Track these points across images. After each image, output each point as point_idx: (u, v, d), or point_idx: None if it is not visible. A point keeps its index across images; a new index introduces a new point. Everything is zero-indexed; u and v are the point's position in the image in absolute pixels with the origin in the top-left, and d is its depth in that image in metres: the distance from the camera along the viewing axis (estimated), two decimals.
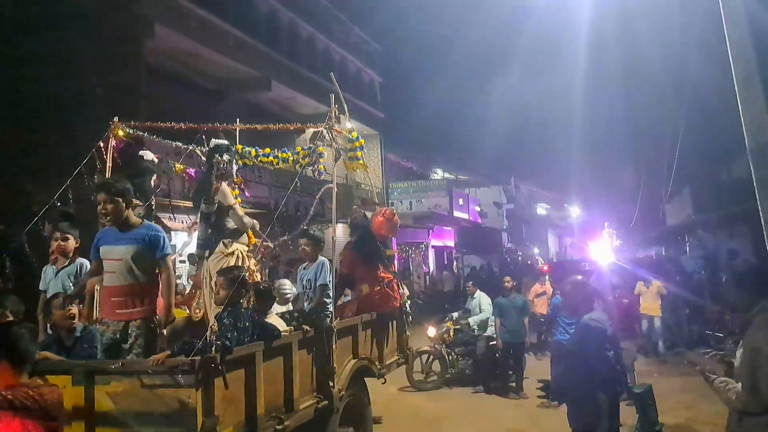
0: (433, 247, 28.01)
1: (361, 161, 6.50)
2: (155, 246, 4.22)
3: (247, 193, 6.48)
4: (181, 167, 6.34)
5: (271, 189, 15.61)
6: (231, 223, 5.59)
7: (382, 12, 26.11)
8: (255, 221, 5.90)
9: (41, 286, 5.31)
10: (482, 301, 9.93)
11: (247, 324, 4.32)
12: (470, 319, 9.86)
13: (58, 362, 3.97)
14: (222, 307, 4.42)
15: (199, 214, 5.61)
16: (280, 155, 6.26)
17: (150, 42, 13.74)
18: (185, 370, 3.57)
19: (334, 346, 5.23)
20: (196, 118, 6.38)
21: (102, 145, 5.66)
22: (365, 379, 6.20)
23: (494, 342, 9.43)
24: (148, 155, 5.55)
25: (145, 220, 4.40)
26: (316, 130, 6.02)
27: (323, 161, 6.01)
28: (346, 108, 6.42)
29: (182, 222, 5.96)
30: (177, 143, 6.43)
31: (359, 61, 25.21)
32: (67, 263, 5.22)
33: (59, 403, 2.65)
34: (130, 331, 4.15)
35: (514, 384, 9.33)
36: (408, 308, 7.23)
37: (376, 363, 6.28)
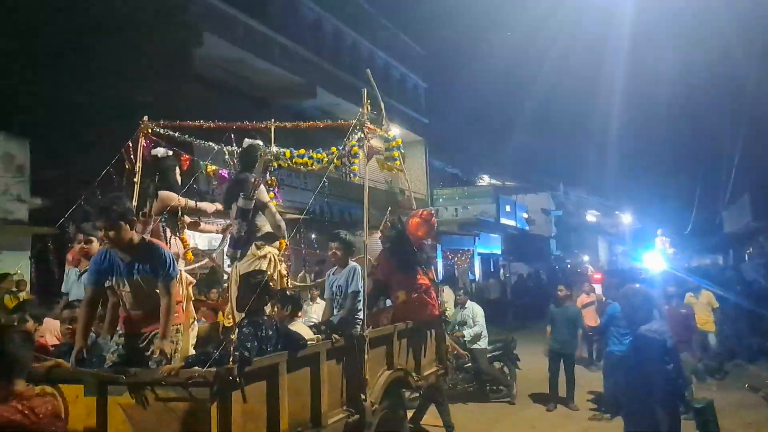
0: (479, 254, 27.63)
1: (398, 162, 6.26)
2: (158, 270, 3.87)
3: (278, 197, 6.30)
4: (214, 168, 6.17)
5: (317, 195, 15.63)
6: (266, 226, 5.43)
7: (427, 16, 26.03)
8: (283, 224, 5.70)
9: (63, 289, 5.21)
10: (475, 312, 9.37)
11: (270, 332, 4.04)
12: (464, 332, 9.20)
13: (70, 371, 3.71)
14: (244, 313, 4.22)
15: (235, 211, 5.35)
16: (314, 156, 6.09)
17: (198, 51, 14.01)
18: (199, 383, 3.33)
19: (366, 356, 4.95)
20: (251, 129, 6.33)
21: (131, 145, 5.58)
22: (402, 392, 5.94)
23: (492, 354, 9.34)
24: (160, 151, 5.31)
25: (144, 237, 4.03)
26: (351, 127, 5.73)
27: (357, 162, 5.79)
28: (383, 106, 6.22)
29: (216, 224, 5.82)
30: (210, 143, 6.34)
31: (403, 66, 25.13)
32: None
33: (54, 415, 2.48)
34: (153, 340, 3.94)
35: (561, 395, 9.01)
36: (447, 316, 6.95)
37: (413, 374, 5.96)
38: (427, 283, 6.47)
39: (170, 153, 5.26)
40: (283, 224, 5.57)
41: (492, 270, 29.06)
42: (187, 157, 5.72)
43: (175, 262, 3.99)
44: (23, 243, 10.02)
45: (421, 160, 25.39)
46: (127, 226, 3.76)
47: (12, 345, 2.52)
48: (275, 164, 6.24)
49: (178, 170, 5.19)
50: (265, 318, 4.17)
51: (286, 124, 6.31)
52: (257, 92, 17.25)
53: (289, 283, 5.73)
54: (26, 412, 2.35)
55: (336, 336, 4.73)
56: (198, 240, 8.92)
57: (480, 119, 37.84)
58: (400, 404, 5.84)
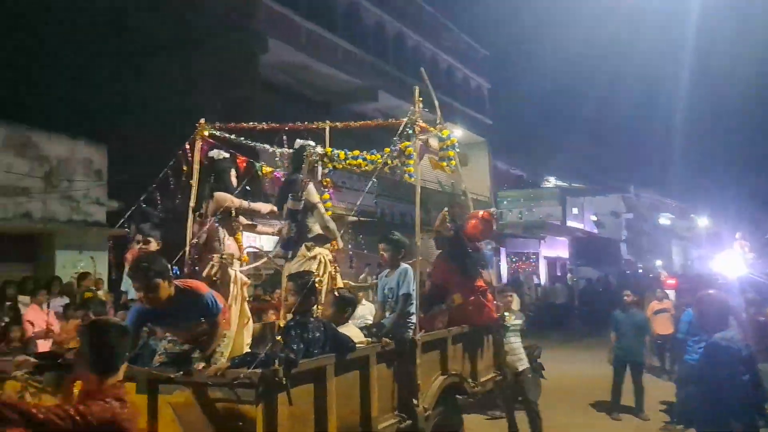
0: (545, 257, 27.01)
1: (453, 162, 6.03)
2: (200, 316, 3.93)
3: (333, 198, 6.23)
4: (269, 170, 6.12)
5: (378, 197, 15.72)
6: (316, 227, 5.36)
7: (491, 16, 25.70)
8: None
9: (122, 288, 5.32)
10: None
11: (317, 334, 3.93)
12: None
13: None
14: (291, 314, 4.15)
15: (285, 212, 5.31)
16: (368, 157, 5.97)
17: (264, 57, 14.36)
18: (244, 384, 3.28)
19: (418, 361, 4.81)
20: (314, 135, 6.29)
21: (188, 147, 5.60)
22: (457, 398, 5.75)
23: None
24: (216, 153, 5.26)
25: (179, 286, 3.89)
26: (404, 125, 5.56)
27: (412, 162, 5.58)
28: (437, 105, 6.08)
29: (273, 225, 5.79)
30: (266, 145, 6.29)
31: (466, 68, 24.92)
32: None
33: (129, 420, 2.41)
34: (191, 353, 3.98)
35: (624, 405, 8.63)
36: (506, 321, 6.74)
37: (469, 380, 5.76)
38: (485, 286, 6.29)
39: (226, 155, 5.26)
40: (332, 225, 5.49)
41: (558, 274, 28.34)
42: (243, 159, 5.70)
43: (216, 301, 3.96)
44: (102, 244, 10.51)
45: (484, 162, 25.06)
46: (165, 282, 3.70)
47: (107, 337, 2.49)
48: (329, 166, 6.16)
49: (233, 172, 5.19)
50: (313, 319, 4.06)
51: (337, 124, 6.23)
52: (320, 96, 17.52)
53: (340, 284, 5.58)
54: (114, 409, 2.33)
55: (386, 339, 4.60)
56: (263, 241, 9.08)
57: (546, 119, 37.12)
58: (455, 411, 5.67)
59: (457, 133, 23.42)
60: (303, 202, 5.19)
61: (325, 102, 17.70)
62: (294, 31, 15.40)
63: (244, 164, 5.74)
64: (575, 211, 29.76)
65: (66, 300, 8.82)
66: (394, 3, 19.93)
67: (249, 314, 4.95)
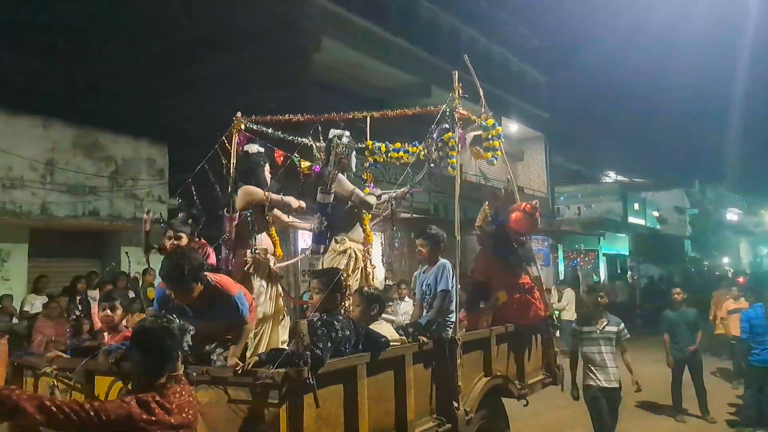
0: (604, 254, 26.27)
1: (499, 152, 5.69)
2: (230, 317, 3.78)
3: (372, 188, 5.82)
4: (308, 164, 5.75)
5: (431, 194, 15.64)
6: (345, 217, 5.13)
7: (547, 7, 25.14)
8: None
9: (156, 283, 5.28)
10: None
11: (347, 332, 3.73)
12: None
13: None
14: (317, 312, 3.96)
15: (315, 206, 5.10)
16: (410, 149, 5.71)
17: (317, 55, 14.47)
18: (268, 384, 3.10)
19: (458, 361, 4.55)
20: (358, 128, 6.08)
21: (225, 140, 5.42)
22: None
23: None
24: (252, 148, 5.08)
25: (211, 282, 3.73)
26: (439, 114, 5.21)
27: (454, 154, 5.23)
28: (481, 92, 5.81)
29: (309, 221, 5.58)
30: (303, 139, 5.95)
31: (522, 61, 24.42)
32: None
33: (161, 423, 2.36)
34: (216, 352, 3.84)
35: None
36: (556, 320, 6.49)
37: (516, 382, 5.49)
38: (531, 282, 6.02)
39: (261, 149, 5.08)
40: (372, 200, 5.25)
41: (618, 272, 27.52)
42: (281, 153, 5.50)
43: (244, 300, 3.83)
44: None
45: (540, 157, 24.57)
46: (199, 284, 3.56)
47: (156, 341, 2.49)
48: (371, 159, 5.99)
49: (267, 167, 4.97)
50: (341, 317, 3.84)
51: (374, 113, 5.89)
52: (373, 93, 17.53)
53: (374, 280, 5.34)
54: (132, 408, 2.30)
55: (423, 338, 4.40)
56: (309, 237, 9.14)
57: (605, 112, 36.03)
58: (499, 414, 5.41)
59: (513, 127, 23.29)
60: (332, 195, 4.98)
61: (378, 99, 17.70)
62: (347, 28, 15.45)
63: (281, 159, 5.52)
64: (636, 206, 28.79)
65: (131, 295, 9.18)
66: None
67: (284, 310, 4.83)
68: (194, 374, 3.21)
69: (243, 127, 5.51)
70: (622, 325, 6.32)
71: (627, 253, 28.20)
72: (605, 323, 6.21)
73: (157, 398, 2.39)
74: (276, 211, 4.95)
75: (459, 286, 5.01)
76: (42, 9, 12.60)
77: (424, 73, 17.86)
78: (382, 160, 6.03)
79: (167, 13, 14.12)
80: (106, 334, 4.39)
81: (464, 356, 4.67)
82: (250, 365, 3.30)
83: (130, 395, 2.42)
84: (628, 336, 6.39)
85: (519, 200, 6.38)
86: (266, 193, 4.68)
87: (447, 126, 5.22)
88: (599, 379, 6.10)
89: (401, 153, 5.86)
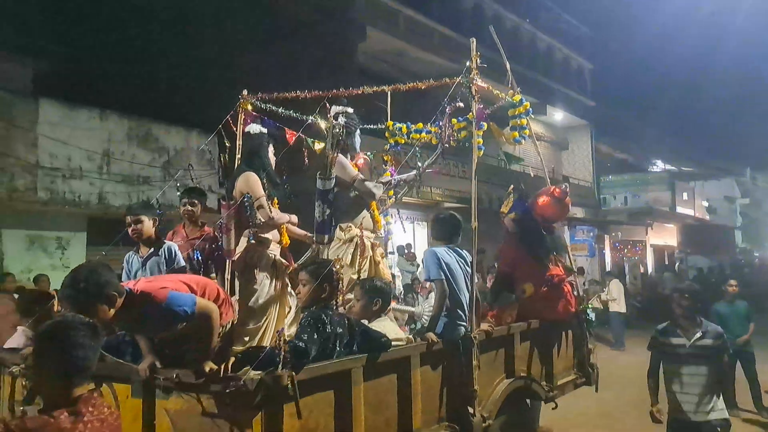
0: (651, 245, 25.69)
1: (527, 131, 5.27)
2: (169, 325, 3.10)
3: (394, 175, 5.36)
4: (322, 146, 5.14)
5: (476, 182, 15.55)
6: (350, 204, 4.71)
7: None
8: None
9: (124, 278, 4.63)
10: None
11: (339, 330, 3.32)
12: None
13: (116, 366, 3.19)
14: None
15: (315, 194, 4.59)
16: (433, 130, 5.19)
17: (362, 45, 14.53)
18: (239, 392, 2.67)
19: (474, 362, 4.11)
20: (401, 116, 5.93)
21: (231, 120, 5.09)
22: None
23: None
24: (254, 128, 4.63)
25: (133, 294, 2.95)
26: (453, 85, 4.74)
27: (480, 133, 4.76)
28: (508, 67, 5.46)
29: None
30: (311, 117, 5.32)
31: (567, 48, 23.96)
32: (151, 250, 4.22)
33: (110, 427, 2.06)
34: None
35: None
36: (590, 314, 5.85)
37: (543, 383, 5.03)
38: (561, 273, 5.53)
39: (264, 130, 4.63)
40: (376, 191, 4.81)
41: (666, 263, 26.88)
42: (292, 133, 5.02)
43: (183, 300, 3.04)
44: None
45: (586, 145, 24.15)
46: (104, 306, 2.75)
47: (76, 340, 2.08)
48: (391, 140, 5.62)
49: (271, 148, 4.56)
50: (331, 312, 3.41)
51: (385, 87, 5.29)
52: (417, 82, 17.46)
53: (386, 272, 4.88)
54: (62, 424, 1.98)
55: (432, 336, 3.94)
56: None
57: (652, 99, 35.12)
58: (524, 418, 4.97)
59: (557, 115, 22.92)
60: (333, 180, 4.50)
61: (429, 88, 17.67)
62: (391, 17, 15.47)
63: (293, 139, 5.07)
64: (685, 196, 28.05)
65: None
66: None
67: (290, 303, 4.38)
68: (161, 379, 2.89)
69: (250, 106, 5.19)
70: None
71: (675, 244, 27.52)
72: (698, 334, 4.35)
73: (68, 415, 2.04)
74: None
75: (476, 278, 4.57)
76: (98, 5, 12.98)
77: (468, 60, 17.74)
78: (403, 141, 5.61)
79: (217, 7, 14.36)
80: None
81: (482, 356, 4.25)
82: (225, 367, 2.92)
83: (41, 412, 2.08)
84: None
85: (549, 184, 5.90)
86: (262, 197, 4.14)
87: (460, 101, 4.80)
88: (689, 411, 4.32)
89: (423, 134, 5.42)
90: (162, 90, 13.07)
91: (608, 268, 20.27)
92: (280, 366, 2.75)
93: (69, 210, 10.03)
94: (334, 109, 4.95)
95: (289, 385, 2.74)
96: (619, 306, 13.43)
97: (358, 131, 5.00)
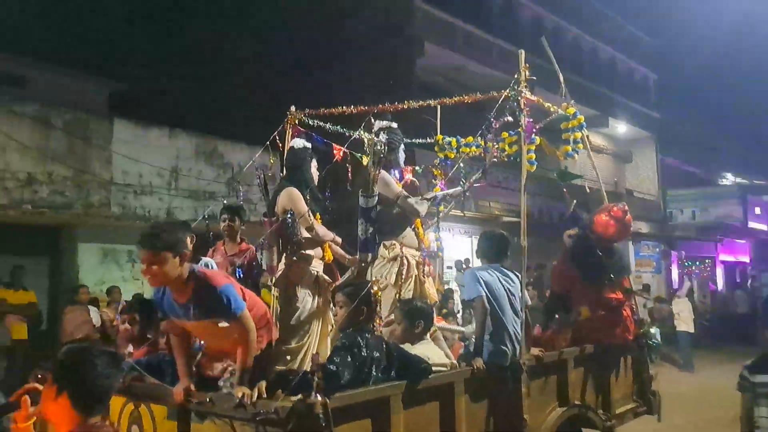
0: (722, 262, 24.58)
1: (581, 144, 5.11)
2: (216, 311, 3.10)
3: (443, 187, 5.27)
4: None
5: (533, 196, 15.33)
6: (394, 221, 4.57)
7: (656, 3, 23.89)
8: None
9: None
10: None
11: (376, 354, 3.16)
12: None
13: (155, 387, 3.21)
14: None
15: (359, 212, 4.44)
16: (483, 143, 5.11)
17: (420, 60, 14.64)
18: (269, 420, 2.61)
19: (524, 389, 3.96)
20: (455, 131, 5.80)
21: (277, 136, 5.14)
22: None
23: None
24: (298, 143, 4.60)
25: (195, 271, 3.15)
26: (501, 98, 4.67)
27: (533, 148, 4.65)
28: (561, 79, 5.36)
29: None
30: (357, 132, 5.26)
31: (630, 59, 23.38)
32: None
33: None
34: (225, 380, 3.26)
35: None
36: (652, 339, 5.59)
37: (599, 411, 4.82)
38: (620, 297, 5.29)
39: (307, 145, 4.59)
40: (420, 207, 4.64)
41: (738, 280, 25.63)
42: (339, 148, 4.97)
43: (236, 297, 3.14)
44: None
45: (651, 158, 23.44)
46: (176, 259, 2.96)
47: (97, 368, 2.05)
48: (440, 155, 5.51)
49: (314, 163, 4.49)
50: (368, 335, 3.27)
51: (430, 102, 5.30)
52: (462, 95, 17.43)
53: (431, 292, 4.75)
54: None
55: (479, 362, 3.76)
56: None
57: (722, 109, 33.70)
58: None
59: (620, 128, 22.36)
60: (376, 198, 4.35)
61: (479, 102, 17.60)
62: (449, 32, 15.53)
63: (340, 155, 5.03)
64: (758, 210, 26.67)
65: None
66: None
67: (333, 321, 4.20)
68: (194, 403, 2.86)
69: (297, 121, 5.19)
70: None
71: (748, 261, 26.22)
72: None
73: None
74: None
75: (527, 300, 4.46)
76: (167, 30, 13.61)
77: (527, 74, 17.58)
78: (453, 155, 5.47)
79: (279, 26, 14.79)
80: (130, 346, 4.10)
81: (533, 382, 4.10)
82: (259, 393, 2.86)
83: None
84: None
85: (607, 201, 5.69)
86: (307, 213, 4.10)
87: (509, 116, 4.70)
88: None
89: (473, 148, 5.28)
90: (228, 108, 13.54)
91: (675, 285, 19.52)
92: (313, 392, 2.66)
93: (140, 224, 10.48)
94: (378, 124, 4.89)
95: (321, 414, 2.62)
96: (687, 325, 12.90)
97: (402, 146, 4.88)
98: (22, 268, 8.75)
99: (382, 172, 4.49)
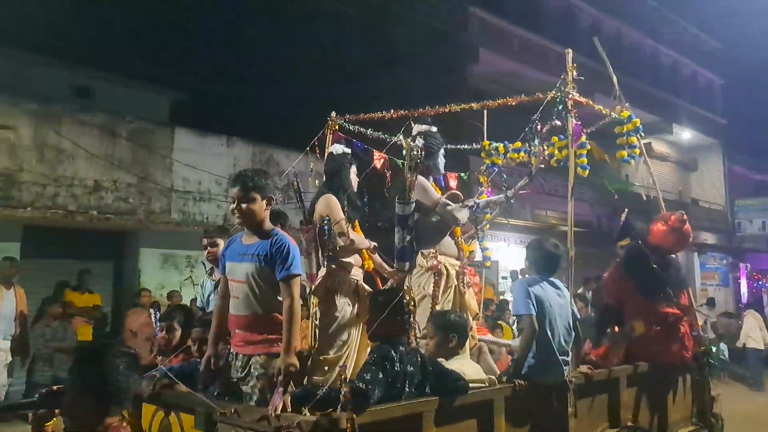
0: None
1: (637, 149, 4.86)
2: (275, 260, 3.14)
3: (490, 194, 5.11)
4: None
5: (593, 206, 14.94)
6: (432, 229, 4.37)
7: (722, 4, 22.94)
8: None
9: (198, 304, 4.81)
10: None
11: (410, 368, 3.02)
12: None
13: (186, 395, 3.16)
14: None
15: (395, 220, 4.27)
16: (529, 148, 4.89)
17: (474, 67, 14.52)
18: None
19: (570, 409, 3.74)
20: (509, 136, 5.59)
21: (317, 143, 5.11)
22: None
23: None
24: (337, 149, 4.49)
25: (277, 228, 3.35)
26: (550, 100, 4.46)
27: (584, 152, 4.41)
28: (615, 81, 5.10)
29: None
30: (394, 137, 5.16)
31: (694, 63, 22.54)
32: None
33: None
34: (252, 369, 3.20)
35: None
36: (712, 358, 5.27)
37: None
38: (677, 312, 4.93)
39: (347, 150, 4.51)
40: (460, 215, 4.37)
41: None
42: (380, 155, 4.88)
43: (299, 262, 3.25)
44: None
45: (717, 166, 22.49)
46: (263, 202, 3.19)
47: (111, 370, 2.09)
48: (487, 161, 5.31)
49: (354, 169, 4.41)
50: (401, 347, 3.12)
51: (472, 105, 5.11)
52: (530, 103, 17.16)
53: (472, 304, 4.53)
54: None
55: (519, 381, 3.56)
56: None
57: None
58: None
59: (684, 135, 21.55)
60: (413, 205, 4.16)
61: (536, 107, 17.32)
62: (504, 38, 15.34)
63: (381, 161, 4.88)
64: None
65: None
66: (612, 1, 18.80)
67: None
68: (218, 413, 2.79)
69: (337, 127, 5.13)
70: None
71: None
72: None
73: None
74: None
75: (576, 314, 4.19)
76: (226, 40, 13.99)
77: (585, 80, 17.19)
78: (500, 161, 5.27)
79: (334, 35, 14.97)
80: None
81: (580, 401, 3.87)
82: (284, 406, 2.77)
83: None
84: None
85: (665, 209, 5.34)
86: (342, 221, 4.00)
87: (556, 119, 4.48)
88: None
89: (522, 154, 5.01)
90: (283, 117, 13.78)
91: (744, 299, 18.59)
92: (339, 407, 2.57)
93: (198, 230, 10.75)
94: (416, 128, 4.71)
95: (348, 429, 2.52)
96: (756, 342, 12.23)
97: (441, 151, 4.65)
98: (88, 272, 9.09)
99: (420, 178, 4.30)
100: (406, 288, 3.81)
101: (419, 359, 3.13)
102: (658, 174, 5.46)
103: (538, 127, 4.58)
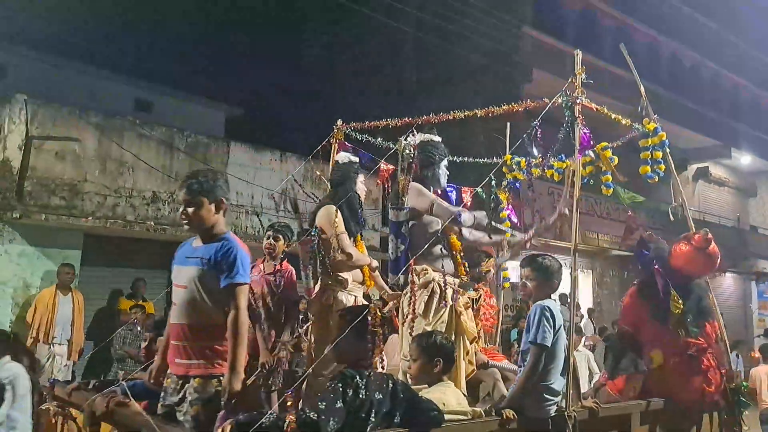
0: None
1: (663, 165, 4.49)
2: (221, 266, 2.88)
3: (512, 216, 4.90)
4: None
5: (648, 230, 14.55)
6: (427, 242, 3.84)
7: None
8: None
9: None
10: None
11: (378, 395, 2.68)
12: None
13: (133, 414, 2.92)
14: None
15: (389, 227, 3.97)
16: (556, 165, 4.63)
17: (528, 87, 14.41)
18: None
19: None
20: (499, 142, 5.49)
21: (320, 151, 5.01)
22: None
23: None
24: (342, 157, 4.33)
25: (230, 233, 3.08)
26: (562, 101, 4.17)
27: (609, 168, 4.19)
28: (642, 90, 4.77)
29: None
30: (394, 145, 4.82)
31: (755, 86, 21.83)
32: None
33: None
34: (186, 393, 2.88)
35: None
36: (743, 396, 4.60)
37: None
38: (701, 343, 4.34)
39: (354, 159, 4.34)
40: (467, 216, 3.99)
41: None
42: (388, 167, 4.74)
43: (248, 269, 2.99)
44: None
45: None
46: (212, 205, 2.96)
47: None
48: (509, 176, 5.03)
49: (361, 178, 4.25)
50: (368, 374, 2.77)
51: (477, 111, 4.87)
52: (588, 123, 16.91)
53: (470, 326, 4.02)
54: None
55: (509, 414, 3.18)
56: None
57: None
58: None
59: (744, 159, 20.80)
60: (407, 210, 3.81)
61: (591, 127, 17.05)
62: (557, 59, 15.18)
63: (389, 173, 4.70)
64: None
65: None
66: (670, 22, 18.42)
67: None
68: None
69: (342, 136, 4.99)
70: None
71: None
72: None
73: None
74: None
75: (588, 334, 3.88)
76: (278, 57, 14.29)
77: (638, 102, 16.85)
78: (522, 177, 4.96)
79: (387, 54, 15.12)
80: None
81: None
82: None
83: None
84: None
85: (693, 228, 4.74)
86: (342, 234, 3.77)
87: (566, 127, 4.12)
88: None
89: (547, 169, 4.75)
90: (324, 130, 13.99)
91: (714, 332, 17.67)
92: None
93: (249, 243, 10.92)
94: (419, 136, 4.31)
95: None
96: None
97: (444, 162, 4.21)
98: (142, 281, 9.29)
99: (413, 182, 3.93)
100: (372, 306, 3.33)
101: (390, 385, 2.76)
102: (715, 199, 5.10)
103: (539, 134, 4.27)
